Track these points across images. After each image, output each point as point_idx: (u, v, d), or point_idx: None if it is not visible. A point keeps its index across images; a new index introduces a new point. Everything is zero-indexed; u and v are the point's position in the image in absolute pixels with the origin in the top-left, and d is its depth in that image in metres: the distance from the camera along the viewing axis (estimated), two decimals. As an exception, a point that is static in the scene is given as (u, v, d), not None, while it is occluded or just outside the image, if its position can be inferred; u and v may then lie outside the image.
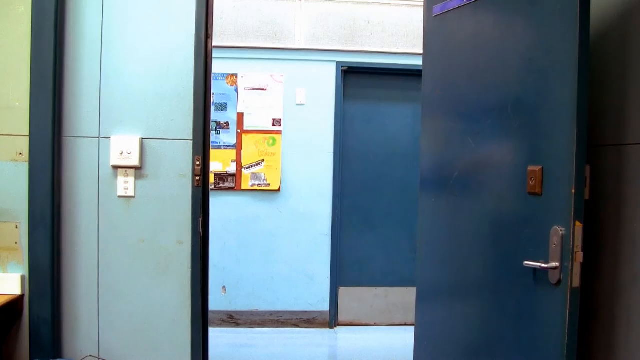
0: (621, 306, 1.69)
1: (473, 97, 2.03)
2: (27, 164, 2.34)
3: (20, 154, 2.35)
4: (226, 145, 4.55)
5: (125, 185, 2.41)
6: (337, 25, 4.50)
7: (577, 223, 1.54)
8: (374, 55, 4.60)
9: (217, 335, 3.96)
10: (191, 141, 2.41)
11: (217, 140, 4.51)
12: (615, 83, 1.76)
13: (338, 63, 4.53)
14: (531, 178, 1.67)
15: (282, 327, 4.57)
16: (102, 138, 2.41)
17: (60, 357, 2.38)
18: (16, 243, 2.36)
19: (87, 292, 2.42)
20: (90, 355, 2.41)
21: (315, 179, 4.60)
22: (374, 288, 4.75)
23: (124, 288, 2.43)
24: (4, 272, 2.36)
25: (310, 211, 4.61)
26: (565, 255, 1.55)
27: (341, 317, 4.71)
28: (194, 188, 2.41)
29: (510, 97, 1.81)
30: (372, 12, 4.60)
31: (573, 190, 1.53)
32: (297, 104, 4.50)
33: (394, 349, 4.03)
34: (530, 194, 1.69)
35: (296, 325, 4.59)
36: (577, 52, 1.53)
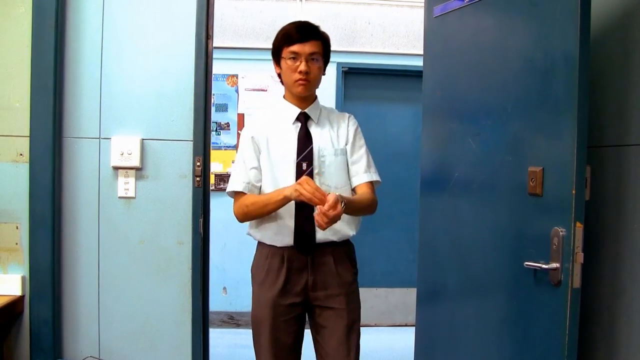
0: (621, 307, 1.69)
1: (473, 98, 2.03)
2: (27, 164, 2.34)
3: (21, 154, 2.35)
4: (227, 146, 4.55)
5: (126, 186, 2.42)
6: (338, 26, 4.50)
7: (578, 224, 1.54)
8: (374, 56, 4.60)
9: (217, 336, 3.96)
10: (191, 142, 2.41)
11: (218, 141, 4.52)
12: (616, 84, 1.76)
13: (338, 64, 4.53)
14: (532, 179, 1.67)
15: (282, 327, 4.56)
16: (102, 139, 2.42)
17: (60, 358, 2.39)
18: (16, 244, 2.36)
19: (87, 292, 2.42)
20: (91, 356, 2.41)
21: (316, 180, 4.59)
22: (374, 289, 4.75)
23: (124, 289, 2.43)
24: (4, 273, 2.36)
25: (311, 212, 4.60)
26: (566, 256, 1.55)
27: (341, 318, 4.70)
28: (195, 189, 2.41)
29: (511, 98, 1.81)
30: (373, 13, 4.61)
31: (573, 191, 1.53)
32: (297, 105, 4.50)
33: (394, 350, 4.03)
34: (530, 194, 1.68)
35: (296, 326, 4.58)
36: (577, 53, 1.53)
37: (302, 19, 2.10)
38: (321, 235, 1.94)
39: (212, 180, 4.46)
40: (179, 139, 2.43)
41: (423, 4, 2.36)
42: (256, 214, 1.99)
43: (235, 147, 4.54)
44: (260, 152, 2.02)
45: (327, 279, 2.00)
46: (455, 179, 2.11)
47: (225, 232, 4.50)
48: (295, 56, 1.96)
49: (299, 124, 2.03)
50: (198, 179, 2.40)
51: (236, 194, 2.02)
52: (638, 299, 1.63)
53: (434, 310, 2.30)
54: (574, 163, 1.53)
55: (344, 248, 2.06)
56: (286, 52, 1.98)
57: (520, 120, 1.77)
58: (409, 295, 4.54)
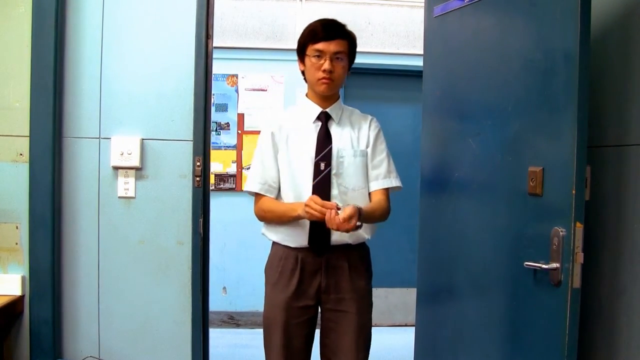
0: (621, 307, 1.69)
1: (473, 98, 2.03)
2: (27, 164, 2.34)
3: (21, 154, 2.35)
4: (226, 146, 4.55)
5: (126, 185, 2.41)
6: (338, 25, 4.50)
7: (578, 224, 1.54)
8: (374, 55, 4.60)
9: (217, 336, 3.95)
10: (191, 142, 2.41)
11: (218, 141, 4.52)
12: (616, 83, 1.76)
13: (338, 64, 4.52)
14: (532, 179, 1.67)
15: (282, 327, 4.56)
16: (102, 139, 2.42)
17: (60, 358, 2.39)
18: (16, 244, 2.36)
19: (87, 292, 2.42)
20: (91, 356, 2.41)
21: (316, 180, 4.59)
22: (374, 289, 4.72)
23: (124, 289, 2.43)
24: (4, 273, 2.36)
25: (311, 212, 4.59)
26: (566, 256, 1.55)
27: (341, 318, 4.69)
28: (195, 189, 2.41)
29: (511, 98, 1.81)
30: (373, 13, 4.61)
31: (573, 191, 1.53)
32: (297, 105, 4.49)
33: (394, 350, 4.03)
34: (530, 194, 1.68)
35: (296, 326, 4.58)
36: (577, 52, 1.53)
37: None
38: (336, 237, 1.92)
39: (212, 180, 4.46)
40: (178, 139, 2.43)
41: (423, 4, 2.36)
42: (273, 221, 2.00)
43: (235, 147, 4.54)
44: (279, 150, 2.00)
45: (340, 283, 1.98)
46: (455, 179, 2.11)
47: (225, 232, 4.52)
48: (320, 54, 1.94)
49: (320, 123, 2.00)
50: (198, 179, 2.40)
51: (255, 194, 2.02)
52: (638, 299, 1.63)
53: (434, 310, 2.30)
54: (574, 163, 1.53)
55: (359, 252, 2.04)
56: (311, 49, 1.95)
57: (520, 120, 1.77)
58: (409, 295, 4.53)
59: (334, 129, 2.01)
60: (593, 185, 1.79)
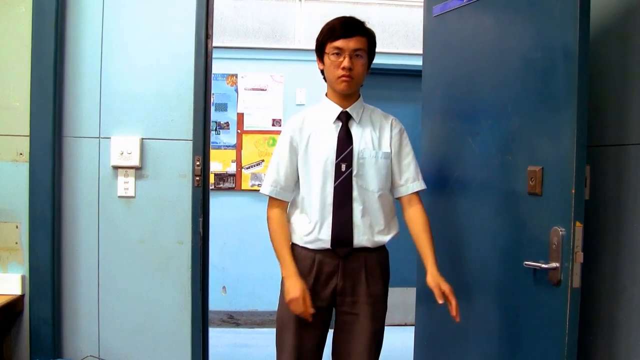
0: (621, 306, 1.69)
1: (473, 97, 2.03)
2: (27, 164, 2.34)
3: (21, 154, 2.35)
4: (226, 146, 4.55)
5: (126, 185, 2.41)
6: (337, 25, 4.50)
7: (577, 223, 1.54)
8: (373, 55, 4.59)
9: (217, 336, 3.95)
10: (191, 141, 2.41)
11: (217, 141, 4.51)
12: (615, 83, 1.77)
13: (338, 63, 4.52)
14: (531, 178, 1.67)
15: (282, 327, 4.56)
16: (102, 138, 2.41)
17: (60, 357, 2.39)
18: (16, 243, 2.36)
19: (87, 292, 2.42)
20: (90, 356, 2.41)
21: (315, 179, 4.59)
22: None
23: (124, 288, 2.43)
24: (4, 272, 2.36)
25: (310, 211, 4.59)
26: (565, 255, 1.55)
27: (341, 318, 4.69)
28: (194, 188, 2.41)
29: (510, 97, 1.81)
30: (372, 12, 4.60)
31: (573, 191, 1.53)
32: (297, 104, 4.50)
33: (393, 349, 4.01)
34: (530, 194, 1.69)
35: (296, 326, 4.57)
36: (577, 51, 1.53)
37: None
38: (358, 240, 1.92)
39: (211, 179, 4.46)
40: (178, 139, 2.43)
41: (422, 4, 2.36)
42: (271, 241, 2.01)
43: (235, 146, 4.54)
44: (299, 152, 1.96)
45: (356, 286, 1.94)
46: (455, 179, 2.11)
47: (225, 231, 4.51)
48: (339, 52, 1.90)
49: (340, 123, 1.95)
50: (198, 178, 2.40)
51: (268, 197, 1.99)
52: (638, 299, 1.63)
53: (433, 310, 2.30)
54: (574, 162, 1.54)
55: (377, 255, 2.01)
56: (330, 47, 1.91)
57: (519, 119, 1.77)
58: (408, 295, 4.51)
59: (354, 129, 1.96)
60: (593, 185, 1.79)
